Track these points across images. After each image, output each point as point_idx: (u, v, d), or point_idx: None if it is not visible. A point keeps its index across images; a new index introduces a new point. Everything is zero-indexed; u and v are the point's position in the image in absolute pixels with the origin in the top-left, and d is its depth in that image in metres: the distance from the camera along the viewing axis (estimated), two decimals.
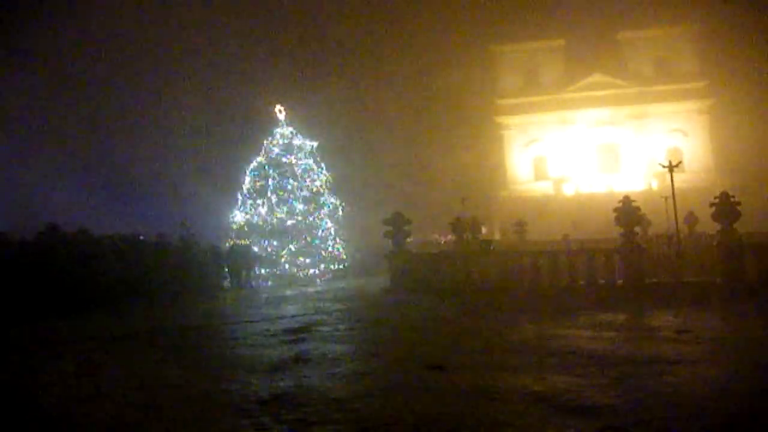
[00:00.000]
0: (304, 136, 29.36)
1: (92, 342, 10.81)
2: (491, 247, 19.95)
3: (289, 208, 27.37)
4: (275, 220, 27.24)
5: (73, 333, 12.14)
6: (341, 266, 28.36)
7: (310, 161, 28.91)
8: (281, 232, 27.00)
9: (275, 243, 26.93)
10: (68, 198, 45.78)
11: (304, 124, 31.25)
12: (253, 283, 25.16)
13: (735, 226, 16.17)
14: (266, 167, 28.18)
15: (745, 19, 49.47)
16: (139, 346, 10.27)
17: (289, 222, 27.18)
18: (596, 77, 56.31)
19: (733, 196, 16.32)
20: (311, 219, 27.72)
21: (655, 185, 49.22)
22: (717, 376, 6.63)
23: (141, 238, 19.98)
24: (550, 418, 5.19)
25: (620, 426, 4.94)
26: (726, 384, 6.29)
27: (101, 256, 17.72)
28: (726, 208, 16.11)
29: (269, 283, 25.93)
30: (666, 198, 25.96)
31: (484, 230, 35.40)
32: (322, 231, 27.97)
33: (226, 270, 23.90)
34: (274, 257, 26.68)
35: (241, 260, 24.52)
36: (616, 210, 17.03)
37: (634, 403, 5.52)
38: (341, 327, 11.51)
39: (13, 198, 43.63)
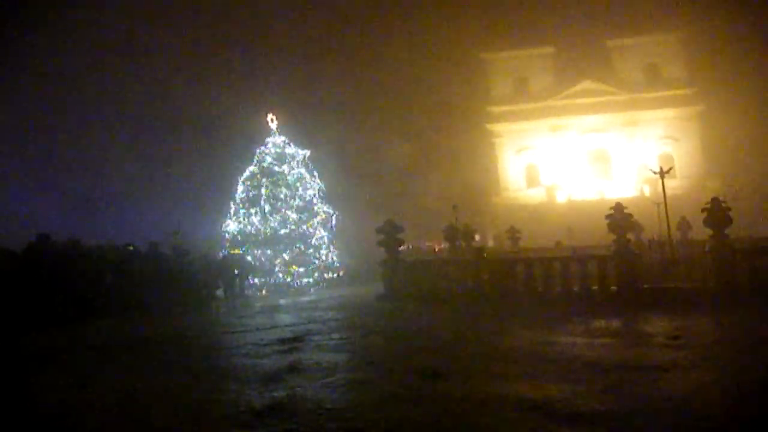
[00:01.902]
0: (297, 145, 29.37)
1: (83, 353, 10.75)
2: (484, 255, 19.91)
3: (282, 217, 27.31)
4: (268, 229, 27.18)
5: (65, 344, 12.06)
6: (335, 275, 28.30)
7: (303, 170, 28.88)
8: (274, 241, 26.94)
9: (268, 252, 26.86)
10: (60, 208, 45.64)
11: (297, 133, 31.29)
12: (247, 292, 25.07)
13: (726, 231, 16.22)
14: (259, 176, 28.14)
15: (734, 26, 49.93)
16: (131, 357, 10.20)
17: (282, 231, 27.11)
18: (586, 84, 56.62)
19: (724, 202, 16.38)
20: (304, 228, 27.66)
21: (647, 191, 49.45)
22: (710, 382, 6.65)
23: (131, 248, 19.85)
24: (544, 426, 5.19)
25: None
26: (719, 390, 6.31)
27: (92, 266, 17.61)
28: (717, 213, 16.15)
29: (263, 292, 25.84)
30: (658, 204, 26.13)
31: (477, 237, 35.44)
32: (316, 240, 27.91)
33: (219, 280, 23.79)
34: (267, 266, 26.61)
35: (234, 269, 24.43)
36: (608, 216, 17.04)
37: (628, 410, 5.53)
38: (335, 336, 11.47)
39: (3, 208, 43.43)
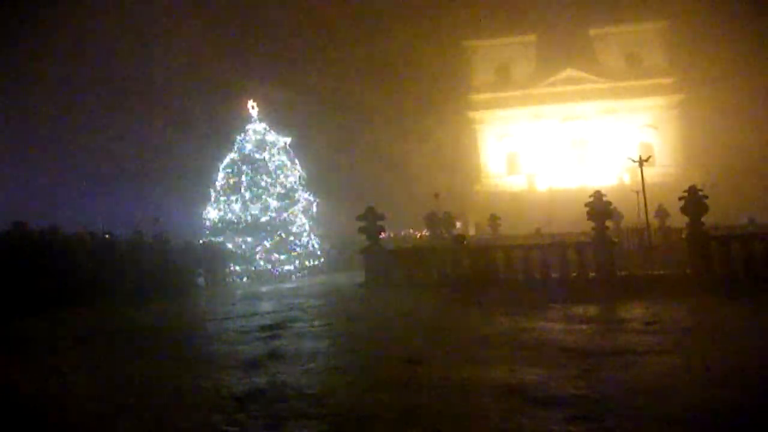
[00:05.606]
0: (278, 132, 29.21)
1: (62, 340, 10.69)
2: (464, 242, 20.03)
3: (263, 205, 27.22)
4: (249, 216, 27.08)
5: (43, 332, 11.98)
6: (316, 262, 28.30)
7: (284, 157, 28.75)
8: (255, 229, 26.85)
9: (249, 240, 26.77)
10: (39, 195, 45.12)
11: (278, 120, 31.09)
12: (228, 280, 25.02)
13: (703, 219, 16.47)
14: (239, 163, 27.99)
15: (714, 16, 50.28)
16: (111, 345, 10.17)
17: (264, 218, 27.03)
18: (568, 72, 56.86)
19: (701, 190, 16.61)
20: (285, 215, 27.58)
21: (626, 180, 49.86)
22: (683, 366, 6.80)
23: (107, 236, 19.68)
24: (521, 409, 5.29)
25: (588, 415, 5.05)
26: (692, 374, 6.45)
27: (71, 253, 17.46)
28: (694, 201, 16.39)
29: (244, 280, 25.80)
30: (637, 192, 26.37)
31: (458, 225, 35.63)
32: (297, 227, 27.87)
33: (200, 267, 23.70)
34: (248, 254, 26.54)
35: (215, 257, 24.36)
36: (587, 204, 17.23)
37: (602, 394, 5.65)
38: (316, 323, 11.53)
39: None
